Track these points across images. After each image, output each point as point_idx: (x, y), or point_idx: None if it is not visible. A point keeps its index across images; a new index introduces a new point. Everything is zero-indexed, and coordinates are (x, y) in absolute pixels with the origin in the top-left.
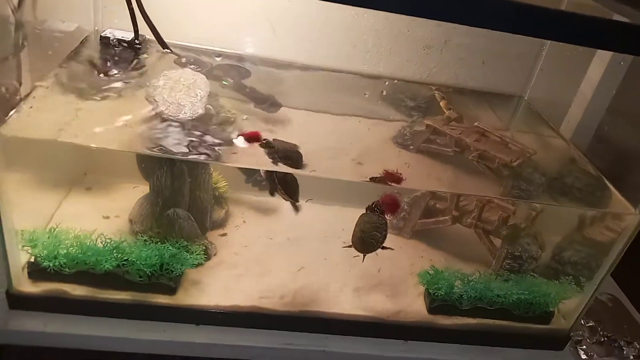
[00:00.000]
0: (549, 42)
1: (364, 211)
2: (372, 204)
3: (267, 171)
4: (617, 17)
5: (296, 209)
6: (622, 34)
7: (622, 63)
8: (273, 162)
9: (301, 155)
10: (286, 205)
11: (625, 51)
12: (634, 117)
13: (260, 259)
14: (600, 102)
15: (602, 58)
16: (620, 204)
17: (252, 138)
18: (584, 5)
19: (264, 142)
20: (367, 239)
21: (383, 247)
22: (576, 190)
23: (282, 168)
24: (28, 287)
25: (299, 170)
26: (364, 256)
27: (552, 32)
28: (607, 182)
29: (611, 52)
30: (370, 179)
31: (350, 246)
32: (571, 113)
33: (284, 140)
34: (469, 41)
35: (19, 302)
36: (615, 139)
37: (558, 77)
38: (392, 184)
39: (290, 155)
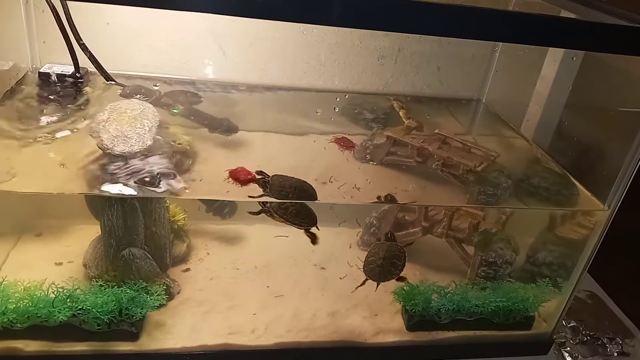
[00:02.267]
0: (501, 43)
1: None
2: (387, 233)
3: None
4: (565, 13)
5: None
6: (571, 30)
7: (574, 58)
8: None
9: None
10: (252, 231)
11: (576, 47)
12: (591, 111)
13: (227, 291)
14: (557, 99)
15: (554, 55)
16: (588, 200)
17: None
18: (531, 4)
19: (259, 177)
20: (387, 267)
21: (399, 278)
22: (543, 190)
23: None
24: None
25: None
26: (378, 285)
27: (504, 33)
28: (573, 179)
29: (563, 49)
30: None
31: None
32: (530, 112)
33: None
34: (422, 48)
35: None
36: (576, 135)
37: (513, 77)
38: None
39: (289, 190)
